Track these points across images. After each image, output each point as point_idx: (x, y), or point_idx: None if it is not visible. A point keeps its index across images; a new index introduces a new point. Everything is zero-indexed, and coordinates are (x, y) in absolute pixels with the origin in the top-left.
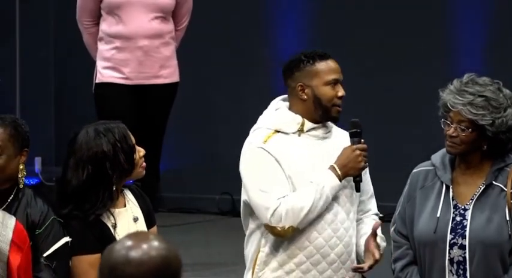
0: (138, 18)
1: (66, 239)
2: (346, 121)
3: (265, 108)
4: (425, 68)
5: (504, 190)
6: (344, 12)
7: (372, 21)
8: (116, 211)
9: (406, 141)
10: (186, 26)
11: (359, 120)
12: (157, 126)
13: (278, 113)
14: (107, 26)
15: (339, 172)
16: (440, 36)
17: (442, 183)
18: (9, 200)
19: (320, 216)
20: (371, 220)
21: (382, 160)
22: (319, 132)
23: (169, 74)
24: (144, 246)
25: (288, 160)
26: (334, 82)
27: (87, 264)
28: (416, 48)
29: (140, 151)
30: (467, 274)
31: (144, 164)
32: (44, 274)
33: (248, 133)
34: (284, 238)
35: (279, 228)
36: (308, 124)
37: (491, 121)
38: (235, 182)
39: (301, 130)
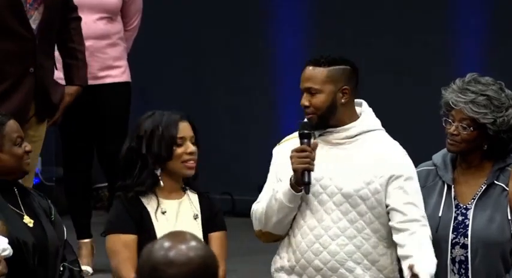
0: (83, 20)
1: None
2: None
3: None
4: (423, 67)
5: (506, 190)
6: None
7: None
8: (165, 201)
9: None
10: (138, 26)
11: (307, 121)
12: (112, 126)
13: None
14: None
15: (292, 178)
16: (443, 38)
17: (443, 182)
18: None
19: (304, 221)
20: (409, 235)
21: None
22: (331, 138)
23: (118, 74)
24: (184, 247)
25: (285, 164)
26: (303, 92)
27: (121, 243)
28: (417, 48)
29: (188, 148)
30: (469, 273)
31: (191, 164)
32: (67, 251)
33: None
34: (264, 241)
35: (255, 231)
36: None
37: (492, 120)
38: (235, 182)
39: (313, 135)
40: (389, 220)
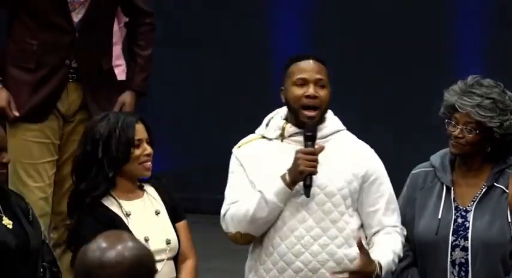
0: None
1: None
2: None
3: (265, 109)
4: (425, 66)
5: (506, 192)
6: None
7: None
8: (128, 202)
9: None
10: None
11: (313, 124)
12: None
13: (269, 119)
14: None
15: (287, 178)
16: (442, 37)
17: (442, 184)
18: None
19: (283, 222)
20: (382, 235)
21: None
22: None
23: (119, 73)
24: (116, 248)
25: (255, 165)
26: (301, 83)
27: None
28: (416, 48)
29: (146, 149)
30: (469, 276)
31: (148, 165)
32: (45, 251)
33: (246, 134)
34: (240, 244)
35: (229, 234)
36: (290, 130)
37: (499, 124)
38: None
39: (282, 136)
40: (363, 221)
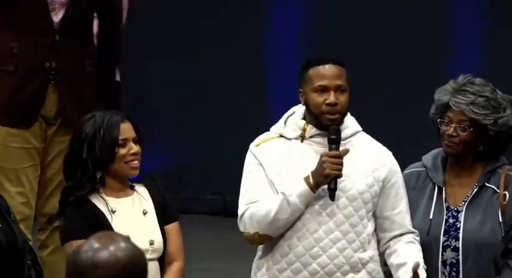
0: None
1: None
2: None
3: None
4: (425, 66)
5: (497, 192)
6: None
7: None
8: (116, 199)
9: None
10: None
11: (337, 127)
12: None
13: (286, 118)
14: None
15: (311, 180)
16: (442, 37)
17: (434, 184)
18: None
19: (303, 224)
20: (405, 244)
21: None
22: (325, 139)
23: None
24: (109, 248)
25: (274, 165)
26: (321, 89)
27: None
28: (416, 47)
29: (131, 148)
30: (460, 276)
31: (134, 164)
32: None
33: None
34: (256, 244)
35: (245, 233)
36: (311, 131)
37: (493, 121)
38: (227, 183)
39: (303, 136)
40: (380, 224)
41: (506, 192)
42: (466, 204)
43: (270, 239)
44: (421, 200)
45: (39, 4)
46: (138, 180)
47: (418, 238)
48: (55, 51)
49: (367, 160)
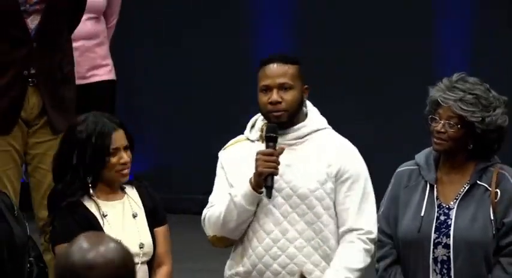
0: None
1: None
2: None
3: (252, 110)
4: (424, 66)
5: (488, 190)
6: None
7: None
8: (107, 203)
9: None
10: (115, 24)
11: (274, 125)
12: None
13: (254, 120)
14: None
15: (252, 180)
16: (442, 37)
17: (426, 182)
18: None
19: (260, 225)
20: (341, 245)
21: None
22: (283, 139)
23: (106, 72)
24: (102, 249)
25: (235, 168)
26: (265, 89)
27: None
28: (417, 47)
29: (122, 158)
30: (452, 273)
31: (125, 171)
32: (31, 246)
33: (231, 134)
34: (219, 246)
35: (207, 237)
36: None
37: (480, 119)
38: None
39: (262, 137)
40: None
41: (498, 190)
42: (458, 201)
43: (229, 241)
44: (413, 198)
45: (13, 12)
46: (128, 181)
47: (364, 237)
48: (33, 58)
49: (324, 157)
